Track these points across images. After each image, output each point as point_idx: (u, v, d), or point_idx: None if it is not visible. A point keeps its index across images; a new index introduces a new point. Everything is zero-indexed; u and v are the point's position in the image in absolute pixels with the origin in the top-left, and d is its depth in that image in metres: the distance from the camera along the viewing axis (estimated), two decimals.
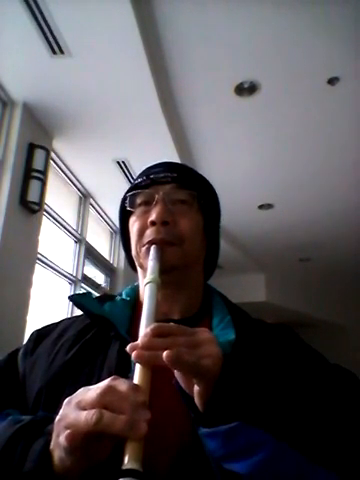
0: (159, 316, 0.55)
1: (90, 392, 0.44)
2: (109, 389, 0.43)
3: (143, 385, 0.45)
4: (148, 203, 0.71)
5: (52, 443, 0.46)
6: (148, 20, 2.26)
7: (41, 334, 0.72)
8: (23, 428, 0.51)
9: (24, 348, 0.71)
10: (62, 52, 2.40)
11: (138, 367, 0.47)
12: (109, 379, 0.45)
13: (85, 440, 0.42)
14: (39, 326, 0.76)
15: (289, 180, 3.90)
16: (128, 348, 0.48)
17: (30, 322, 2.79)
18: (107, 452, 0.44)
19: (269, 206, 4.40)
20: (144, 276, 0.68)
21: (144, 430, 0.40)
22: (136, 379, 0.46)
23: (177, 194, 0.71)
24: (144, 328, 0.50)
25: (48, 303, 3.43)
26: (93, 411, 0.41)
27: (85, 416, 0.42)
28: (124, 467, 0.39)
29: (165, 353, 0.44)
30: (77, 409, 0.43)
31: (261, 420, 0.46)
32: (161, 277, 0.61)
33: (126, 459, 0.39)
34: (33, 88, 2.73)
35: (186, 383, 0.50)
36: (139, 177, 0.75)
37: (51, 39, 2.31)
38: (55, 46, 2.36)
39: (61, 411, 0.45)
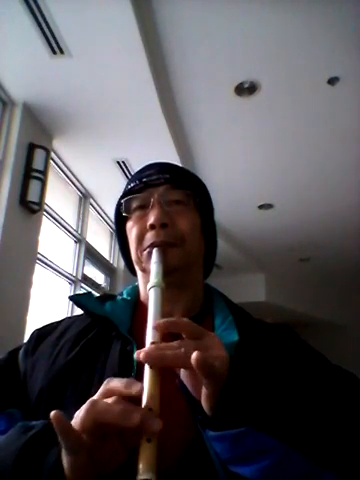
0: (163, 316, 0.55)
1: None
2: (108, 392, 0.44)
3: (153, 390, 0.45)
4: (144, 207, 0.70)
5: (62, 452, 0.45)
6: (148, 20, 2.26)
7: (42, 333, 0.72)
8: (35, 437, 0.50)
9: (25, 347, 0.71)
10: (62, 52, 2.40)
11: (147, 372, 0.46)
12: (105, 382, 0.46)
13: (88, 437, 0.42)
14: (39, 325, 0.75)
15: (289, 180, 3.90)
16: (136, 353, 0.47)
17: (30, 322, 2.79)
18: (118, 460, 0.44)
19: (269, 206, 4.40)
20: (146, 279, 0.67)
21: (137, 420, 0.41)
22: (146, 384, 0.45)
23: (172, 195, 0.70)
24: (151, 333, 0.50)
25: (48, 303, 3.43)
26: (88, 401, 0.43)
27: (83, 408, 0.43)
28: (139, 477, 0.39)
29: (194, 355, 0.44)
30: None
31: (268, 424, 0.46)
32: (164, 279, 0.60)
33: (141, 469, 0.39)
34: (33, 88, 2.73)
35: (193, 385, 0.49)
36: (131, 181, 0.75)
37: (51, 39, 2.32)
38: (55, 46, 2.36)
39: None
